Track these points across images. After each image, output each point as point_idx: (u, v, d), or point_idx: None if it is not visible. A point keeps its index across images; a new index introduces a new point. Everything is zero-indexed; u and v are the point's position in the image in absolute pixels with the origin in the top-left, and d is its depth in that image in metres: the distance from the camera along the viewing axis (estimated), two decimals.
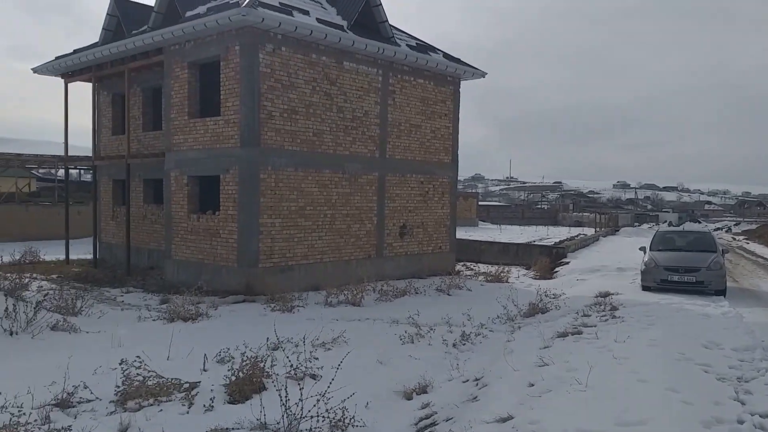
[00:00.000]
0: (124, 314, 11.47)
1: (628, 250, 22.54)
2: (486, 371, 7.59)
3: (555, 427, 5.15)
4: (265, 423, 5.40)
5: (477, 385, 7.15)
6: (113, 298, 13.23)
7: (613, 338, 8.49)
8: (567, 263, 21.30)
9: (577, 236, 31.94)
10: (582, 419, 5.29)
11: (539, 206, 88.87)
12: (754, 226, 61.48)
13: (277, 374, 6.69)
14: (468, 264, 21.85)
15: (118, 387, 6.36)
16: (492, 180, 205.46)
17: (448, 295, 14.82)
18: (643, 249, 15.58)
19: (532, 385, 6.57)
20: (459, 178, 20.95)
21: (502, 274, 17.94)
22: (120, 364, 6.62)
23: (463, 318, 10.76)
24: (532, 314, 11.72)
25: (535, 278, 18.97)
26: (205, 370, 7.35)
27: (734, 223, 72.75)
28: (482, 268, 20.41)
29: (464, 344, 9.28)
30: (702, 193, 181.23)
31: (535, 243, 26.63)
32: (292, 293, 13.28)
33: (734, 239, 43.77)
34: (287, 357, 6.79)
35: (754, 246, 35.12)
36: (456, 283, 15.66)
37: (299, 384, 5.69)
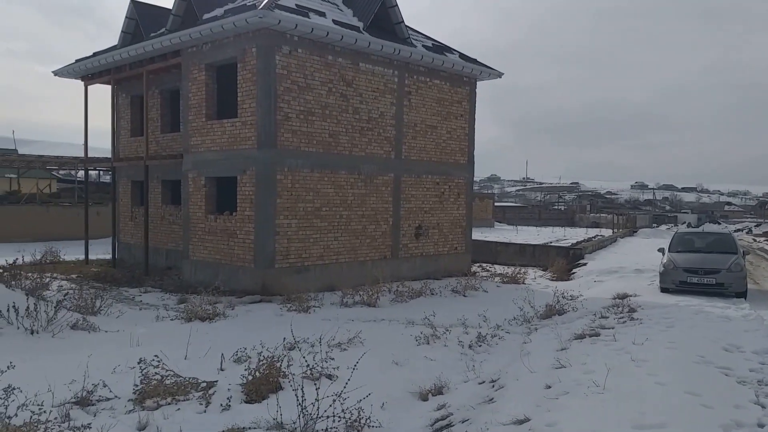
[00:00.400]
0: (142, 314, 11.59)
1: (646, 252, 22.33)
2: (502, 373, 7.56)
3: (572, 429, 5.11)
4: (282, 423, 5.43)
5: (493, 386, 7.12)
6: (132, 298, 13.37)
7: (631, 340, 8.41)
8: (584, 264, 21.13)
9: (594, 237, 31.69)
10: (599, 422, 5.24)
11: (556, 207, 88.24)
12: None
13: (294, 374, 6.71)
14: (484, 265, 21.78)
15: (137, 386, 6.43)
16: (508, 181, 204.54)
17: (464, 296, 14.78)
18: (661, 250, 15.43)
19: (549, 387, 6.53)
20: (475, 178, 20.88)
21: (518, 276, 17.85)
22: (138, 363, 6.69)
23: (479, 319, 10.73)
24: (548, 316, 11.65)
25: (552, 280, 18.85)
26: (222, 370, 7.41)
27: (755, 224, 71.66)
28: (498, 269, 20.33)
29: (480, 345, 9.25)
30: (722, 194, 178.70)
31: (552, 244, 26.43)
32: (308, 294, 13.32)
33: (755, 240, 43.10)
34: (303, 357, 6.82)
35: None
36: (472, 285, 15.61)
37: (315, 384, 5.70)
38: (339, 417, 5.41)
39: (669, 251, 15.01)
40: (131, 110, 19.57)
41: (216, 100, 15.44)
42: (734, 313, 11.29)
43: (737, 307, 12.03)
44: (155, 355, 6.88)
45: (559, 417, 5.45)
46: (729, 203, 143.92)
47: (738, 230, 55.13)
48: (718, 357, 7.82)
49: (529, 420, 5.45)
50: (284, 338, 8.10)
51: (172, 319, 10.99)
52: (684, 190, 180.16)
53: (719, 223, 56.22)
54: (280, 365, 6.86)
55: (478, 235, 25.57)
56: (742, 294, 13.64)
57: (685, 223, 51.57)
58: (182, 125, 16.15)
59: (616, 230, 39.01)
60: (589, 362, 7.31)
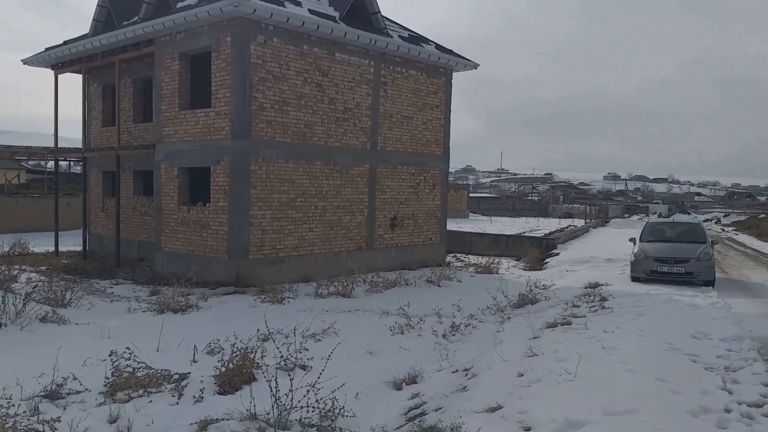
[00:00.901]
0: (113, 306, 11.43)
1: (617, 242, 22.67)
2: (475, 362, 7.63)
3: (543, 416, 5.19)
4: (255, 414, 5.41)
5: (467, 375, 7.19)
6: (103, 290, 13.18)
7: (602, 328, 8.56)
8: (557, 254, 21.40)
9: (567, 228, 32.09)
10: (570, 409, 5.33)
11: (530, 198, 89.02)
12: (743, 218, 61.96)
13: (267, 365, 6.69)
14: (458, 255, 21.91)
15: (108, 378, 6.35)
16: (483, 172, 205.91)
17: (438, 286, 14.87)
18: (632, 240, 15.67)
19: (522, 375, 6.62)
20: (450, 169, 20.97)
21: (492, 266, 18.00)
22: (109, 355, 6.61)
23: (453, 309, 10.81)
24: (521, 305, 11.78)
25: (525, 269, 19.06)
26: (194, 362, 7.35)
27: (723, 214, 73.28)
28: (472, 259, 20.47)
29: (454, 335, 9.32)
30: (692, 185, 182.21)
31: (526, 234, 26.70)
32: (282, 285, 13.27)
33: (723, 230, 44.09)
34: (277, 348, 6.79)
35: (743, 237, 35.40)
36: (446, 275, 15.71)
37: (289, 375, 5.69)
38: (313, 407, 5.40)
39: (640, 241, 15.25)
40: (103, 100, 19.19)
41: (189, 90, 15.22)
42: (702, 302, 11.54)
43: (705, 295, 12.29)
44: (127, 348, 6.81)
45: (531, 404, 5.53)
46: (699, 194, 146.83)
47: (707, 220, 56.28)
48: (687, 344, 8.01)
49: (502, 408, 5.53)
50: (258, 329, 8.07)
51: (144, 311, 10.86)
52: (655, 181, 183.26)
53: (689, 214, 57.34)
54: (254, 356, 6.83)
55: (452, 225, 25.70)
56: (710, 282, 13.94)
57: (656, 213, 52.45)
58: (155, 115, 15.89)
59: (588, 220, 39.56)
60: (561, 350, 7.42)
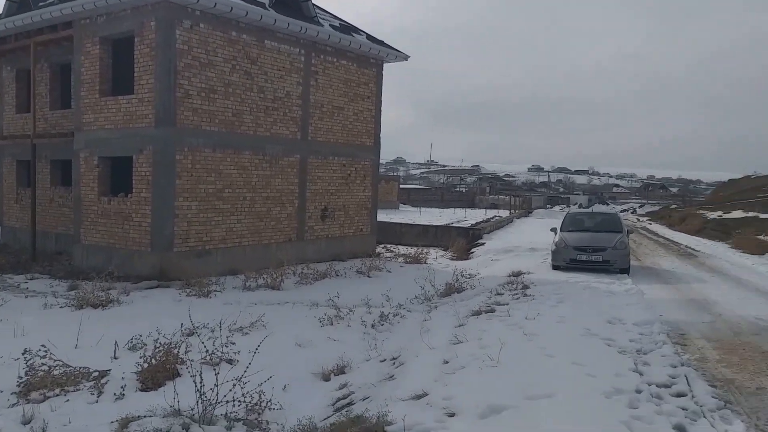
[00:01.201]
0: (28, 302, 10.86)
1: (540, 231, 23.49)
2: (403, 350, 7.75)
3: (467, 402, 5.34)
4: (179, 410, 5.30)
5: (394, 364, 7.30)
6: (17, 285, 12.49)
7: (524, 315, 8.87)
8: (482, 244, 21.98)
9: (492, 218, 32.99)
10: (493, 394, 5.51)
11: (458, 189, 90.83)
12: (656, 208, 65.58)
13: (192, 360, 6.55)
14: (388, 246, 22.14)
15: (21, 378, 6.05)
16: (413, 163, 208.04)
17: (368, 277, 14.97)
18: (554, 230, 16.25)
19: (447, 362, 6.78)
20: (381, 161, 21.08)
21: (420, 256, 18.29)
22: (23, 353, 6.29)
23: (382, 299, 10.91)
24: (448, 294, 12.04)
25: (453, 259, 19.48)
26: (115, 358, 7.12)
27: (639, 205, 77.33)
28: (402, 250, 20.74)
29: (383, 325, 9.44)
30: (611, 177, 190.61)
31: (453, 225, 27.26)
32: (209, 278, 12.98)
33: (638, 220, 46.52)
34: (202, 343, 6.67)
35: (656, 227, 37.51)
36: (376, 265, 15.84)
37: (215, 369, 5.62)
38: (239, 401, 5.35)
39: (561, 231, 15.84)
40: (17, 84, 18.05)
41: (111, 76, 14.56)
42: (618, 288, 12.13)
43: (621, 282, 12.93)
44: (42, 345, 6.50)
45: (456, 391, 5.68)
46: (617, 185, 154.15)
47: (624, 210, 59.19)
48: (603, 329, 8.39)
49: (427, 395, 5.65)
50: (182, 324, 7.89)
51: (61, 307, 10.38)
52: (577, 173, 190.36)
53: (608, 204, 60.06)
54: (178, 351, 6.69)
55: (383, 216, 25.89)
56: (625, 270, 14.65)
57: (576, 204, 54.69)
58: (74, 102, 15.12)
59: (513, 211, 40.80)
60: (485, 337, 7.64)
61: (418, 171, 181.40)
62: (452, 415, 5.14)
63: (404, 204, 55.49)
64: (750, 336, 8.50)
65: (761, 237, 20.96)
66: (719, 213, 35.33)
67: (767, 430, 5.08)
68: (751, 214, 30.48)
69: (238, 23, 14.31)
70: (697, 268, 16.46)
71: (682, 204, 67.97)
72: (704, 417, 5.28)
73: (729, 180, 77.57)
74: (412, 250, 19.36)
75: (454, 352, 7.09)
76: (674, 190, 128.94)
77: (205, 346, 6.59)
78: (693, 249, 22.46)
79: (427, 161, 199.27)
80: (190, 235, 13.70)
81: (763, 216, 27.88)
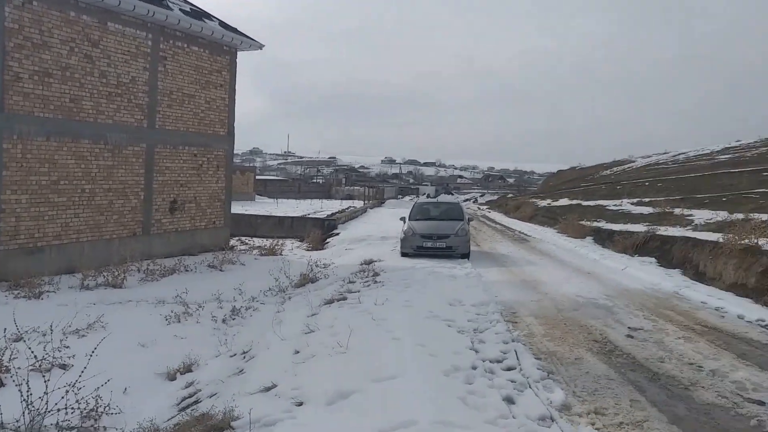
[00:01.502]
0: None
1: (391, 221, 24.29)
2: (254, 344, 7.70)
3: (316, 389, 5.46)
4: (2, 423, 4.86)
5: (245, 358, 7.24)
6: None
7: (373, 302, 9.17)
8: (337, 234, 22.32)
9: (347, 209, 33.58)
10: (341, 380, 5.67)
11: (315, 181, 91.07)
12: (495, 197, 70.53)
13: (19, 368, 6.00)
14: (243, 239, 21.67)
15: None
16: (270, 154, 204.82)
17: (221, 270, 14.58)
18: (403, 219, 16.94)
19: (298, 352, 6.85)
20: (237, 151, 20.55)
21: (276, 248, 18.15)
22: None
23: (234, 293, 10.72)
24: (302, 284, 12.12)
25: (308, 250, 19.57)
26: None
27: (480, 194, 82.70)
28: (257, 242, 20.39)
29: (234, 319, 9.29)
30: (456, 168, 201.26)
31: (310, 216, 27.37)
32: (41, 278, 11.88)
33: (479, 209, 49.78)
34: (30, 348, 6.13)
35: (494, 214, 40.38)
36: (229, 259, 15.46)
37: (45, 376, 5.19)
38: (72, 408, 5.01)
39: (409, 220, 16.56)
40: None
41: None
42: (459, 272, 12.93)
43: (462, 266, 13.80)
44: None
45: (305, 380, 5.78)
46: (461, 176, 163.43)
47: (467, 200, 63.01)
48: (445, 311, 8.92)
49: (276, 386, 5.68)
50: (5, 329, 7.17)
51: None
52: (426, 164, 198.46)
53: (452, 194, 63.58)
54: (1, 359, 6.09)
55: (238, 208, 25.28)
56: (466, 255, 15.66)
57: (424, 194, 57.23)
58: None
59: (366, 202, 41.83)
60: (336, 325, 7.82)
61: (276, 162, 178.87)
62: (300, 404, 5.22)
63: (261, 195, 54.58)
64: (571, 312, 9.52)
65: (583, 222, 23.34)
66: (549, 201, 38.71)
67: (582, 395, 5.75)
68: (575, 201, 33.76)
69: (77, 3, 13.13)
70: (528, 252, 18.03)
71: (518, 193, 73.83)
72: (530, 387, 5.83)
73: (558, 171, 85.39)
74: (267, 242, 19.13)
75: (306, 342, 7.18)
76: (511, 180, 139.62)
77: (33, 352, 6.06)
78: (526, 234, 24.54)
79: (285, 152, 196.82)
80: (20, 232, 12.43)
81: (585, 203, 31.05)
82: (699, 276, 12.81)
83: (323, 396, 5.30)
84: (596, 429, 4.94)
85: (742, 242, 11.99)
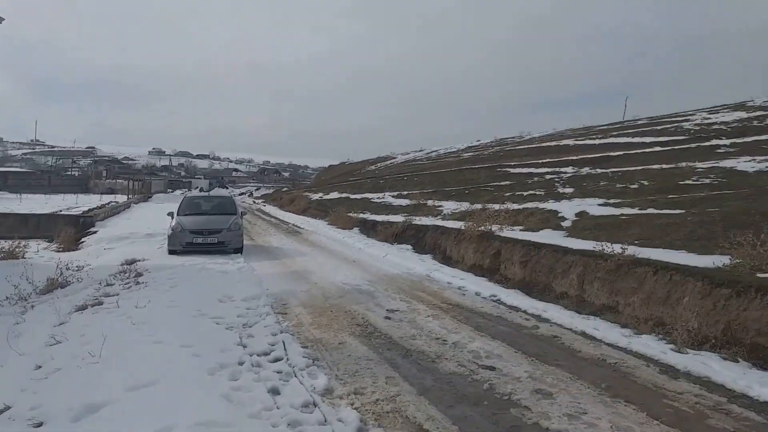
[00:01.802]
0: None
1: (158, 216, 22.94)
2: None
3: (60, 406, 4.93)
4: None
5: None
6: None
7: (134, 304, 8.56)
8: (95, 232, 20.37)
9: (108, 204, 30.94)
10: (91, 393, 5.19)
11: (70, 173, 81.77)
12: (271, 191, 70.65)
13: None
14: None
15: None
16: (13, 143, 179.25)
17: None
18: (170, 214, 16.06)
19: (40, 367, 6.11)
20: None
21: (17, 250, 15.89)
22: None
23: None
24: (50, 290, 10.81)
25: (59, 251, 17.56)
26: None
27: (256, 188, 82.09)
28: None
29: None
30: (231, 162, 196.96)
31: (62, 213, 24.65)
32: None
33: (255, 202, 49.46)
34: None
35: (269, 208, 40.46)
36: None
37: None
38: None
39: (178, 215, 15.75)
40: None
41: None
42: (231, 267, 12.68)
43: (234, 261, 13.55)
44: None
45: (47, 397, 5.19)
46: (236, 170, 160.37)
47: (242, 194, 62.16)
48: (214, 308, 8.68)
49: (10, 408, 5.01)
50: None
51: None
52: (199, 157, 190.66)
53: (227, 188, 62.15)
54: None
55: None
56: (239, 250, 15.42)
57: (197, 188, 55.08)
58: None
59: (131, 196, 38.92)
60: (88, 333, 7.14)
61: (20, 152, 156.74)
62: (40, 425, 4.68)
63: (1, 190, 47.48)
64: (337, 299, 9.95)
65: (350, 214, 24.53)
66: (320, 194, 39.89)
67: (344, 378, 6.05)
68: (344, 195, 35.34)
69: None
70: (301, 244, 18.41)
71: (293, 187, 74.85)
72: (295, 376, 5.98)
73: (329, 166, 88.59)
74: (6, 244, 16.63)
75: (50, 354, 6.43)
76: (287, 174, 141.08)
77: None
78: (299, 227, 25.02)
79: (31, 141, 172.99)
80: None
81: (353, 196, 32.66)
82: (447, 260, 14.35)
83: (68, 412, 4.81)
84: (355, 408, 5.25)
85: (479, 229, 13.73)
